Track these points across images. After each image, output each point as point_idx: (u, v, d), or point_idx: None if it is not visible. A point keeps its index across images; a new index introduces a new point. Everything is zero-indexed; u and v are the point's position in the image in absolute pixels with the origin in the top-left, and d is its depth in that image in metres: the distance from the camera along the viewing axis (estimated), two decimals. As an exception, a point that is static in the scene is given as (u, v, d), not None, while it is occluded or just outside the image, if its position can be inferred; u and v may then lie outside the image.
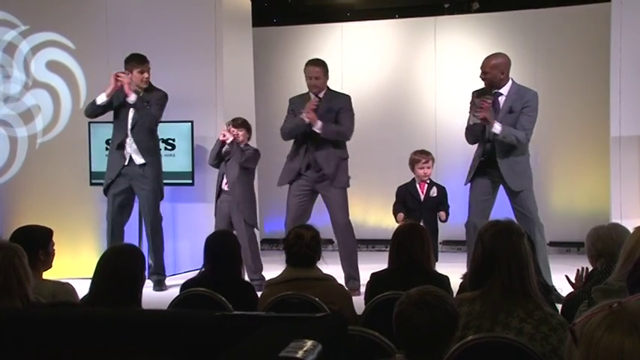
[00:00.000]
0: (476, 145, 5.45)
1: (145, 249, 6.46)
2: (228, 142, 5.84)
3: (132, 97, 5.83)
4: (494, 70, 5.18)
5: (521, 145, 5.20)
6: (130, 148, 5.93)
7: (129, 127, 5.92)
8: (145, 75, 5.90)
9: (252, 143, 6.46)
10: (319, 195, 5.76)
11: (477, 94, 5.31)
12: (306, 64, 5.74)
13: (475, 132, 5.31)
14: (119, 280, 2.94)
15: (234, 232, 5.79)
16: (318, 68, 5.67)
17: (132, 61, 5.90)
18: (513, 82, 5.28)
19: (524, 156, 5.31)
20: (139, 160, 5.93)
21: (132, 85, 5.85)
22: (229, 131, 5.84)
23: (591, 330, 1.06)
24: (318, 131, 5.54)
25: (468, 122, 5.33)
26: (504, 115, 5.18)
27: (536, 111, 5.26)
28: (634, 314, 1.05)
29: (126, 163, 5.94)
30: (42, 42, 7.16)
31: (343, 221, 5.67)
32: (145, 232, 6.15)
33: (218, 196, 5.98)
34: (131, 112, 5.90)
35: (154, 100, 5.93)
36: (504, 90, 5.23)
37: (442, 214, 5.49)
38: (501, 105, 5.22)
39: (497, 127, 5.11)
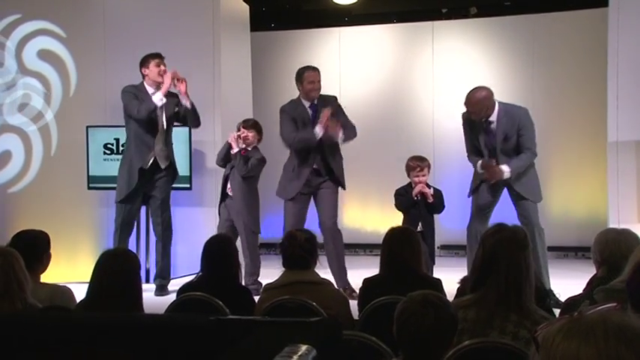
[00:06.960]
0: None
1: (142, 253, 6.46)
2: (233, 152, 5.84)
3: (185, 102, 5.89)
4: (478, 106, 5.19)
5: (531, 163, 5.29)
6: (158, 147, 5.87)
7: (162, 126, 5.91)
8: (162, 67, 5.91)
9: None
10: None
11: (467, 117, 5.34)
12: (305, 71, 5.73)
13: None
14: (116, 284, 2.94)
15: (239, 236, 5.83)
16: (318, 73, 5.73)
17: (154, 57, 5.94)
18: (499, 103, 5.28)
19: (531, 168, 5.35)
20: (163, 163, 5.90)
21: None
22: (239, 133, 5.83)
23: (550, 337, 1.09)
24: (340, 141, 5.63)
25: (467, 144, 5.39)
26: (502, 143, 5.22)
27: (533, 126, 5.31)
28: (591, 322, 1.07)
29: (146, 167, 5.86)
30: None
31: (332, 221, 5.70)
32: (156, 234, 6.11)
33: (222, 199, 5.95)
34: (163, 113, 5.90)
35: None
36: (493, 116, 5.23)
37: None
38: (495, 132, 5.24)
39: (507, 174, 5.19)
